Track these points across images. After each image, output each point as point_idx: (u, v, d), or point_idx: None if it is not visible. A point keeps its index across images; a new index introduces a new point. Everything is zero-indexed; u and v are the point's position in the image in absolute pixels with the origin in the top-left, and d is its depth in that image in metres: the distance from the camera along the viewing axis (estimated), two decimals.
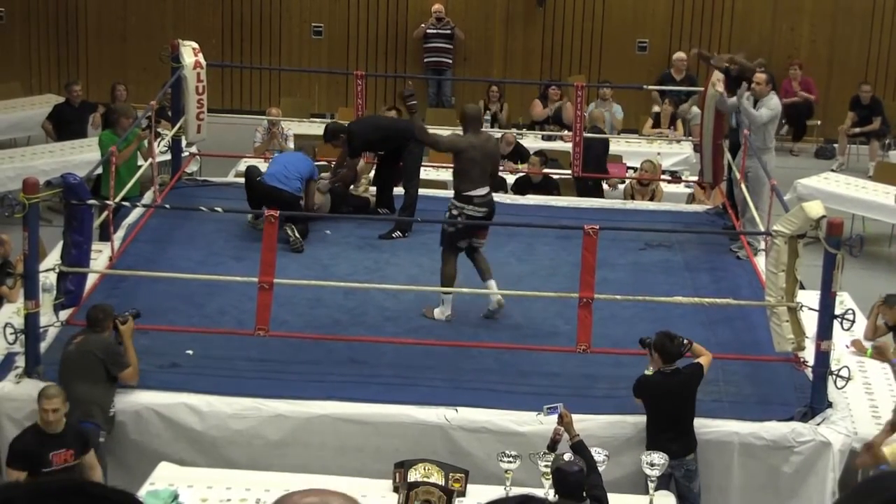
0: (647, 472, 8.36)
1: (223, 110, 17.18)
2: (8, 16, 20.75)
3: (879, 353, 10.88)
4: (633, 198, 14.95)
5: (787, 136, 19.67)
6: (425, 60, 20.02)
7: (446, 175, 15.64)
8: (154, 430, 9.39)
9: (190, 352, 10.12)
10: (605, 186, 15.42)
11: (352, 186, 13.60)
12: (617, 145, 16.45)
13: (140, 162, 13.27)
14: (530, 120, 18.43)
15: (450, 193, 14.24)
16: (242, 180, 13.09)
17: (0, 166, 15.49)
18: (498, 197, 13.94)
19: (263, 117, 16.52)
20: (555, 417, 8.42)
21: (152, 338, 10.16)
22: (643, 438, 9.07)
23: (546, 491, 8.01)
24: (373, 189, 13.66)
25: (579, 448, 8.15)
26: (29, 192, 9.39)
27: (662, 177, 15.43)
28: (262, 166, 13.46)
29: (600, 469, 8.14)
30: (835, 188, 15.84)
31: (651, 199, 14.88)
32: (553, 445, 8.32)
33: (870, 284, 13.14)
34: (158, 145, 13.44)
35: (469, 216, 10.90)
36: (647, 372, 9.16)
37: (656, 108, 18.35)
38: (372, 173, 13.80)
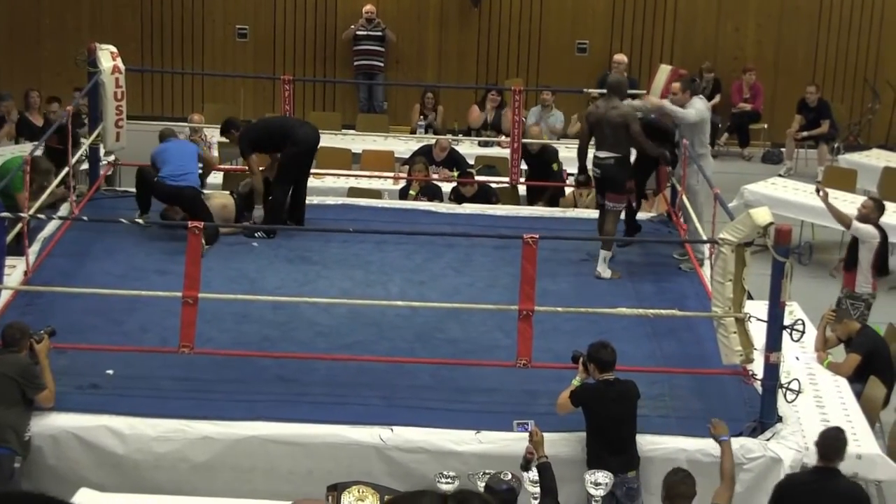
0: (591, 491, 8.22)
1: (143, 117, 16.98)
2: None
3: (836, 367, 10.77)
4: (575, 205, 14.68)
5: (732, 141, 19.55)
6: (355, 64, 19.70)
7: (378, 184, 15.36)
8: (73, 454, 9.13)
9: (110, 372, 9.83)
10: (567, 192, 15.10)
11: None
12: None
13: None
14: (466, 126, 18.06)
15: (377, 202, 14.13)
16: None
17: None
18: (433, 206, 13.88)
19: (185, 124, 16.19)
20: (525, 434, 8.44)
21: (70, 357, 9.89)
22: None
23: None
24: None
25: (543, 469, 8.06)
26: None
27: None
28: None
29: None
30: (783, 194, 15.73)
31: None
32: (527, 465, 8.22)
33: (820, 293, 13.11)
34: (75, 154, 13.03)
35: (594, 175, 12.43)
36: (574, 382, 8.99)
37: None
38: None
